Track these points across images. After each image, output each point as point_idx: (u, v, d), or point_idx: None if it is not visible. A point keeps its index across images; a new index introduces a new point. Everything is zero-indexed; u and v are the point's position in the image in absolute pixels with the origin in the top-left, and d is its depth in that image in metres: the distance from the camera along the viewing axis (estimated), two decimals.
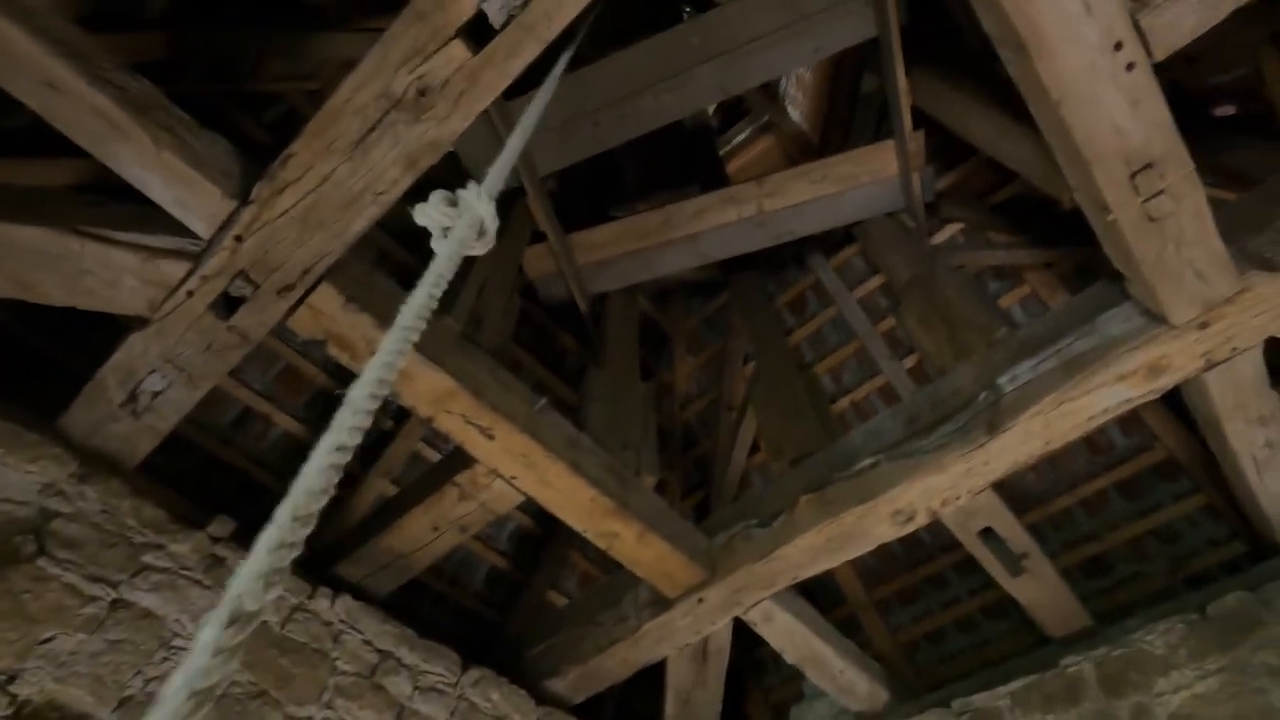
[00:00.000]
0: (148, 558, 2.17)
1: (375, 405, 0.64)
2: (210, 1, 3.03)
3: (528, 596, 4.04)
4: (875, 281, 4.30)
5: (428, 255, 0.93)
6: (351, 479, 3.65)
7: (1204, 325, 2.10)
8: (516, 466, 2.37)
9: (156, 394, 2.19)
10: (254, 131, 3.47)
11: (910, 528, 2.54)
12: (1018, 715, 2.86)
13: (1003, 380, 2.37)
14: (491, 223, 0.86)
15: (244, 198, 1.85)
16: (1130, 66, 1.64)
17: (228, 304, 2.02)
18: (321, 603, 2.49)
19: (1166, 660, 2.66)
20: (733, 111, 6.39)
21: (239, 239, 1.89)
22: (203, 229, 1.91)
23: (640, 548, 2.62)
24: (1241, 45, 2.92)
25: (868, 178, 3.52)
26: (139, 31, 2.79)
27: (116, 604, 2.04)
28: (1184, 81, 3.05)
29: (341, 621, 2.52)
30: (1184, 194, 1.83)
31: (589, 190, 4.09)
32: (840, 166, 3.57)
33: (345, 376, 3.71)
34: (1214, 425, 2.41)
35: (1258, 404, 2.26)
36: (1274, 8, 2.77)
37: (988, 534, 2.66)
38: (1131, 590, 3.52)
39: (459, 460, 2.51)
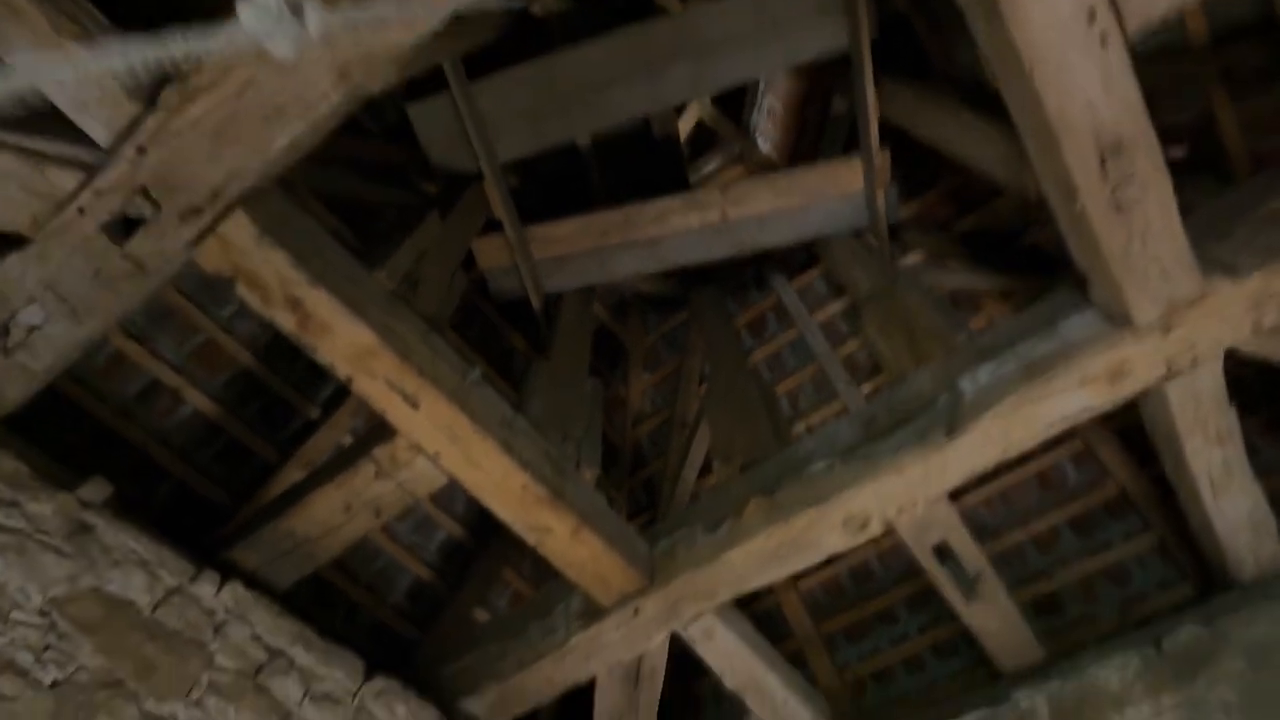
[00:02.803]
0: None
1: None
2: None
3: (452, 613, 3.73)
4: (837, 305, 4.25)
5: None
6: (267, 469, 3.35)
7: (1167, 328, 2.04)
8: (441, 441, 2.15)
9: (33, 328, 1.92)
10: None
11: (863, 537, 2.39)
12: None
13: (963, 383, 2.27)
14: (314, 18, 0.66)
15: (150, 102, 1.65)
16: (1104, 39, 1.59)
17: (124, 225, 1.79)
18: (205, 588, 2.19)
19: (1121, 696, 2.53)
20: (701, 142, 6.44)
21: (141, 150, 1.68)
22: (102, 135, 1.70)
23: (574, 545, 2.40)
24: (1195, 84, 3.00)
25: (833, 191, 3.49)
26: None
27: None
28: None
29: (227, 611, 2.21)
30: (1152, 182, 1.79)
31: (550, 190, 3.97)
32: (806, 179, 3.53)
33: (273, 358, 3.44)
34: (1172, 443, 2.34)
35: (1216, 419, 2.20)
36: (1223, 46, 2.86)
37: (942, 553, 2.52)
38: (1083, 631, 3.41)
39: (378, 435, 2.28)
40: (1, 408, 2.03)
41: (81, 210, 1.76)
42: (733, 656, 2.76)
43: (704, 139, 6.34)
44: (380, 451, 2.20)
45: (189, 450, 3.25)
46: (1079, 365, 2.10)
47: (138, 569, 2.06)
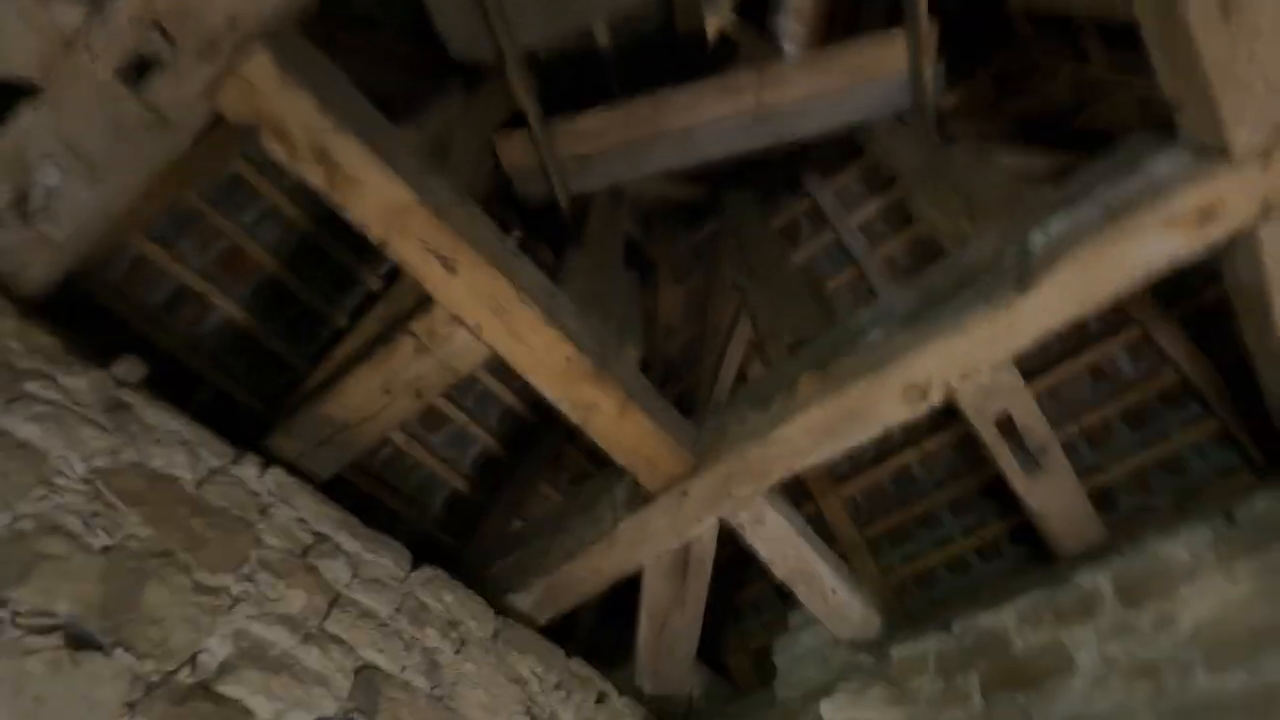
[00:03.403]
0: (31, 385, 1.80)
1: None
2: None
3: (490, 524, 3.71)
4: (875, 204, 4.06)
5: None
6: (299, 381, 3.28)
7: (1267, 159, 1.86)
8: (482, 311, 2.05)
9: (52, 191, 1.83)
10: None
11: (923, 406, 2.27)
12: (1026, 633, 2.61)
13: (1034, 236, 2.11)
14: None
15: None
16: None
17: (139, 70, 1.68)
18: (248, 470, 2.14)
19: (1191, 568, 2.43)
20: (722, 55, 6.14)
21: None
22: None
23: (621, 424, 2.31)
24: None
25: (875, 70, 3.27)
26: None
27: None
28: None
29: (271, 494, 2.17)
30: None
31: (569, 87, 3.78)
32: (846, 56, 3.32)
33: (299, 265, 3.35)
34: (1258, 300, 2.18)
35: None
36: None
37: (1005, 427, 2.40)
38: (1140, 523, 3.31)
39: (416, 311, 2.18)
40: (29, 284, 1.96)
41: (92, 52, 1.64)
42: (782, 543, 2.70)
43: (725, 52, 6.06)
44: (418, 325, 2.11)
45: (222, 358, 3.20)
46: (1165, 205, 1.94)
47: (179, 447, 2.01)
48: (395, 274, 3.54)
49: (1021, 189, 2.32)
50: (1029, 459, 2.48)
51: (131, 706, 1.61)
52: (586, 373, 2.20)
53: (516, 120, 3.43)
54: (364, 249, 3.47)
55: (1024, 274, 2.07)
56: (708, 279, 4.49)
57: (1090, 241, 2.00)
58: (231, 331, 3.20)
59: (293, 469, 2.30)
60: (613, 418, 2.29)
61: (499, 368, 3.93)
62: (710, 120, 3.43)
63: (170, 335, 3.04)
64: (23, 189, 1.82)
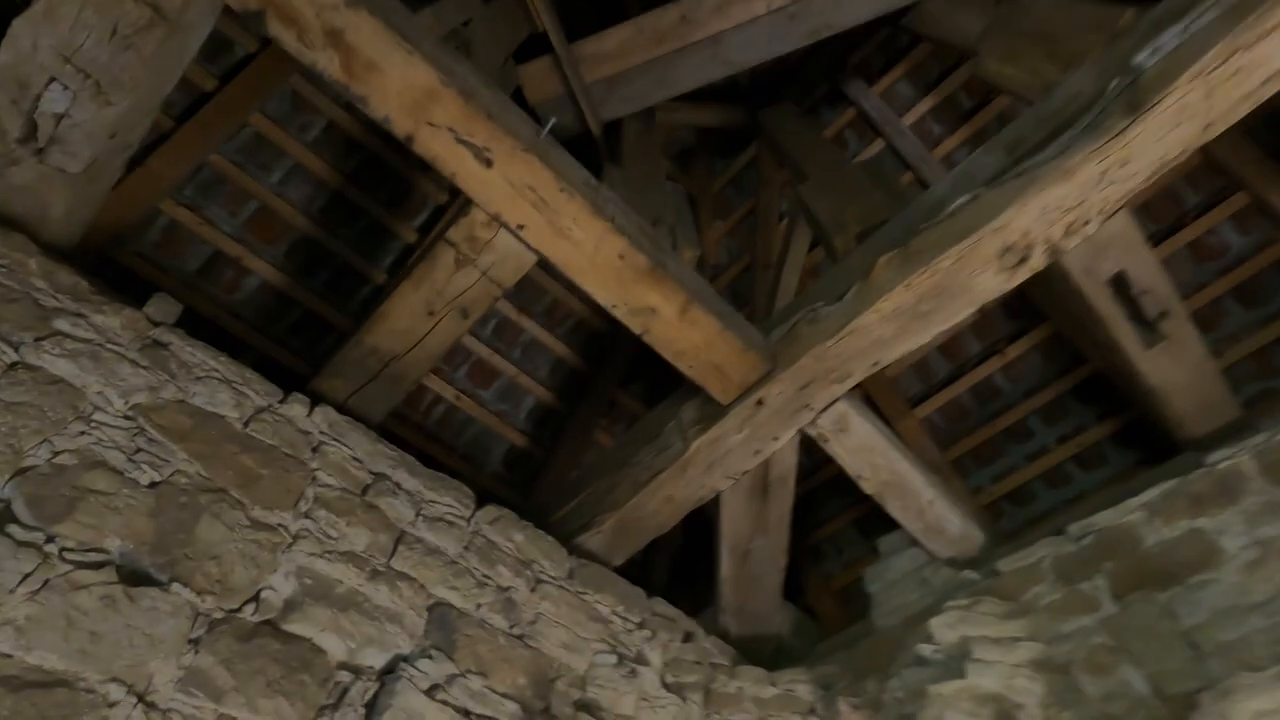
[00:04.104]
0: (61, 324, 1.70)
1: None
2: None
3: (550, 476, 3.57)
4: (927, 104, 3.76)
5: None
6: (344, 340, 3.17)
7: None
8: (524, 207, 1.87)
9: (60, 116, 1.71)
10: None
11: (1023, 273, 2.01)
12: (1158, 527, 2.33)
13: (1140, 58, 1.83)
14: None
15: None
16: None
17: None
18: (296, 409, 2.02)
19: None
20: None
21: None
22: None
23: (684, 328, 2.11)
24: None
25: None
26: None
27: (16, 366, 1.58)
28: None
29: (323, 434, 2.04)
30: None
31: (583, 6, 3.56)
32: None
33: (332, 222, 3.24)
34: None
35: None
36: None
37: (1119, 287, 2.12)
38: (1267, 407, 2.97)
39: (452, 219, 2.02)
40: (52, 224, 1.86)
41: None
42: (871, 452, 2.47)
43: None
44: (456, 232, 1.94)
45: (263, 324, 3.11)
46: None
47: (223, 386, 1.89)
48: (429, 225, 3.42)
49: (1118, 15, 2.03)
50: (1147, 328, 2.19)
51: (195, 643, 1.50)
52: (642, 271, 2.00)
53: (532, 47, 3.23)
54: (396, 201, 3.34)
55: (1135, 99, 1.79)
56: (752, 207, 4.25)
57: (1216, 43, 1.71)
58: (270, 294, 3.11)
59: (341, 411, 2.18)
60: (674, 322, 2.10)
61: (546, 310, 3.77)
62: (741, 23, 3.18)
63: (209, 301, 2.96)
64: (31, 118, 1.71)
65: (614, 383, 3.89)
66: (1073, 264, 2.06)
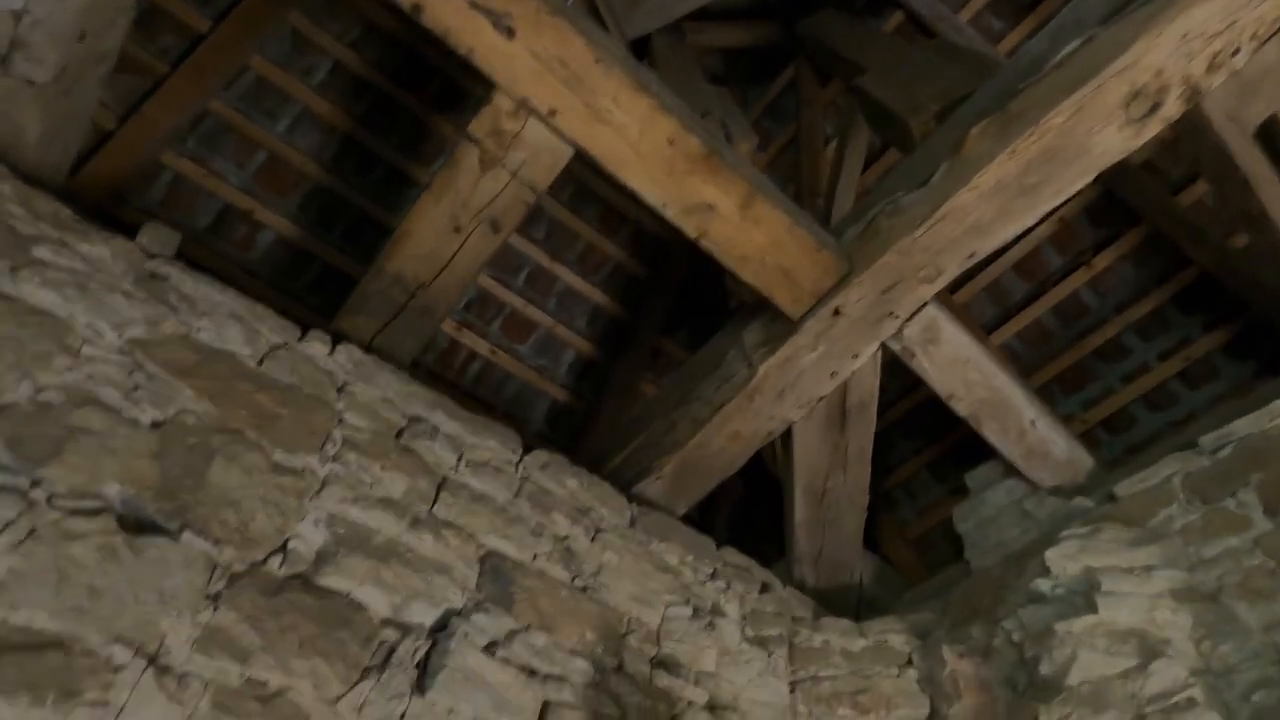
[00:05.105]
0: (42, 252, 1.48)
1: None
2: None
3: (595, 430, 3.32)
4: None
5: None
6: None
7: None
8: (554, 87, 1.60)
9: (19, 15, 1.49)
10: None
11: (1152, 126, 1.68)
12: None
13: None
14: None
15: None
16: None
17: None
18: (316, 347, 1.79)
19: None
20: None
21: None
22: None
23: (747, 227, 1.83)
24: None
25: None
26: None
27: None
28: None
29: (347, 373, 1.81)
30: None
31: None
32: None
33: (343, 168, 3.01)
34: None
35: None
36: None
37: (1269, 138, 1.77)
38: None
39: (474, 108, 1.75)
40: (27, 147, 1.64)
41: None
42: (965, 365, 2.16)
43: None
44: (479, 125, 1.67)
45: (280, 280, 2.91)
46: None
47: (231, 321, 1.67)
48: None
49: None
50: None
51: (214, 599, 1.28)
52: (696, 158, 1.72)
53: None
54: (412, 145, 3.10)
55: None
56: (794, 135, 3.91)
57: None
58: (286, 249, 2.91)
59: (368, 351, 1.95)
60: (735, 219, 1.81)
61: (580, 256, 3.52)
62: None
63: (222, 259, 2.77)
64: None
65: (656, 330, 3.63)
66: (1213, 110, 1.72)
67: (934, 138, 2.00)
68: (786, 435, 2.36)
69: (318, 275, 2.94)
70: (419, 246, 1.86)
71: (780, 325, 2.08)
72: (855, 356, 2.09)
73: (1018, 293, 3.43)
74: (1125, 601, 1.98)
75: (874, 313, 2.00)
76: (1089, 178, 1.78)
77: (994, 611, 2.28)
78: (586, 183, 3.48)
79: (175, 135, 2.62)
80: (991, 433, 2.31)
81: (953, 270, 1.93)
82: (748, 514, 3.59)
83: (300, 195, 2.91)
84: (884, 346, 2.11)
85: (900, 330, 2.06)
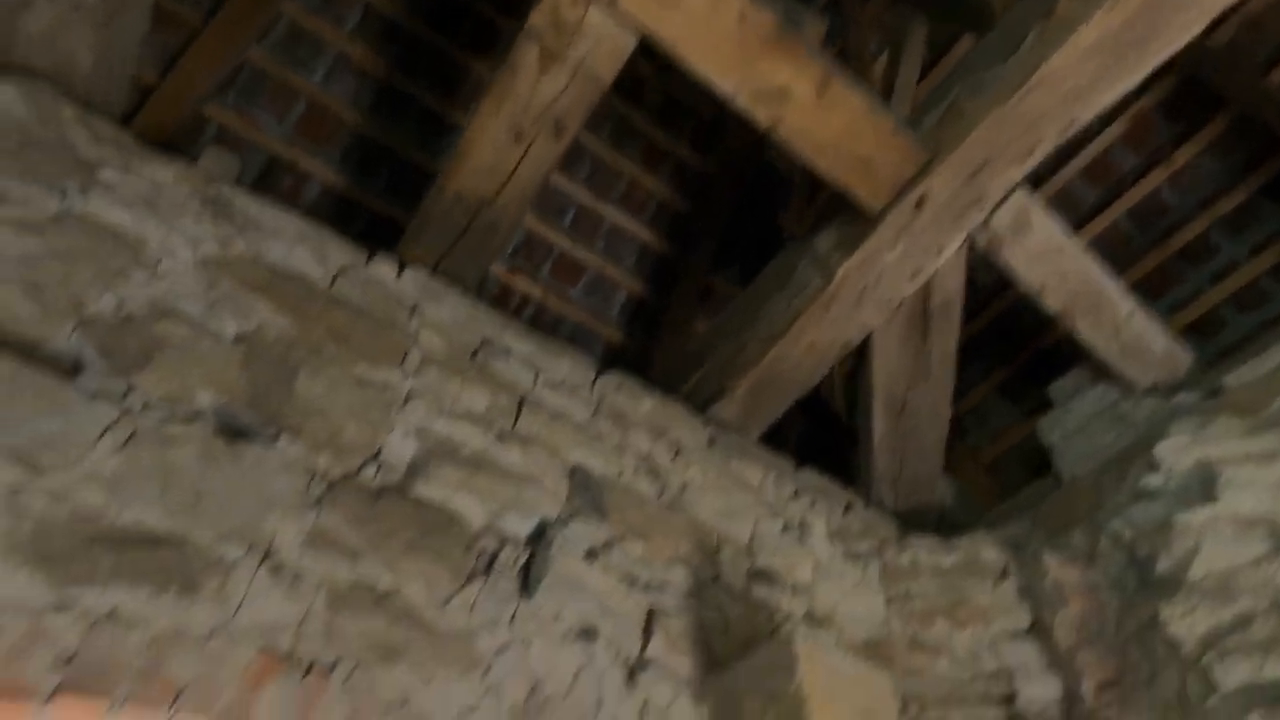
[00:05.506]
0: (108, 174, 1.44)
1: None
2: None
3: (653, 367, 3.25)
4: None
5: None
6: None
7: None
8: None
9: None
10: None
11: None
12: None
13: None
14: None
15: None
16: None
17: None
18: (384, 269, 1.74)
19: None
20: None
21: None
22: None
23: (823, 112, 1.71)
24: None
25: None
26: None
27: (62, 216, 1.33)
28: None
29: (417, 295, 1.76)
30: None
31: None
32: None
33: (384, 115, 2.95)
34: None
35: None
36: None
37: None
38: None
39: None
40: (82, 71, 1.60)
41: None
42: (1059, 255, 2.03)
43: None
44: (539, 15, 1.58)
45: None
46: None
47: (299, 243, 1.62)
48: None
49: None
50: None
51: (316, 503, 1.24)
52: (768, 37, 1.61)
53: None
54: (449, 88, 3.03)
55: None
56: (839, 53, 3.73)
57: None
58: (333, 200, 2.87)
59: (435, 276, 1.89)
60: (811, 105, 1.70)
61: (623, 195, 3.42)
62: None
63: None
64: None
65: (706, 267, 3.53)
66: None
67: (1019, 6, 1.85)
68: (862, 349, 2.26)
69: (365, 226, 2.90)
70: (480, 160, 1.79)
71: (856, 226, 1.97)
72: (940, 251, 1.98)
73: (1090, 198, 3.25)
74: (1249, 490, 1.85)
75: (959, 201, 1.88)
76: (1199, 27, 1.63)
77: (1094, 516, 2.17)
78: (627, 118, 3.37)
79: (216, 88, 2.58)
80: (1085, 328, 2.18)
81: (1049, 142, 1.79)
82: (811, 448, 3.50)
83: (341, 144, 2.86)
84: (970, 241, 1.99)
85: (987, 220, 1.93)
